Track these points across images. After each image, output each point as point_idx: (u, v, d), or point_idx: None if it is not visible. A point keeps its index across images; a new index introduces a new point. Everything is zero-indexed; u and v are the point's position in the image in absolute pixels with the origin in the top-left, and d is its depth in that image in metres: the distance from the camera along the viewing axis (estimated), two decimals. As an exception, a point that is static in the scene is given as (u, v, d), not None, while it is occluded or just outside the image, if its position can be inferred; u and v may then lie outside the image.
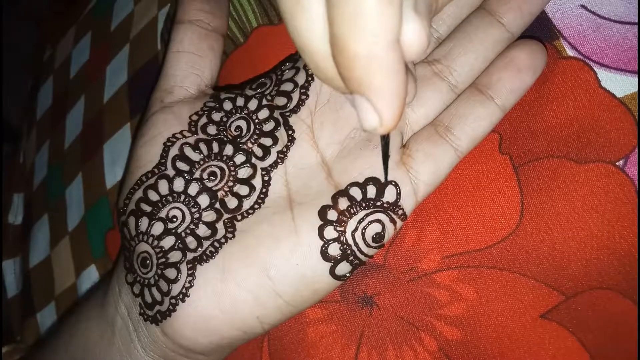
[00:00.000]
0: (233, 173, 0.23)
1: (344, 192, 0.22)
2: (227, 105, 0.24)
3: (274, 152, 0.23)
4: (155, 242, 0.22)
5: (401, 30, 0.13)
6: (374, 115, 0.14)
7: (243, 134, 0.23)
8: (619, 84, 0.22)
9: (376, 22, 0.12)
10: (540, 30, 0.23)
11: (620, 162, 0.21)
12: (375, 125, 0.15)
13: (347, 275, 0.21)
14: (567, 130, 0.22)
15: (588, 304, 0.22)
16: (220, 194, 0.23)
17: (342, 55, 0.13)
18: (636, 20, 0.22)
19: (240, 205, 0.22)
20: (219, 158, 0.23)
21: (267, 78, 0.25)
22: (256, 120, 0.24)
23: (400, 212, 0.21)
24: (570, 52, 0.23)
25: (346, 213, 0.21)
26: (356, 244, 0.21)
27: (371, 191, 0.22)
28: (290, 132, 0.23)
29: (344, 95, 0.17)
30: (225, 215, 0.22)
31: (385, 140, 0.17)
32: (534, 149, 0.23)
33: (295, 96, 0.24)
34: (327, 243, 0.21)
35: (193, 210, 0.22)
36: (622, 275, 0.21)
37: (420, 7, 0.14)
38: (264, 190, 0.23)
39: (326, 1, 0.13)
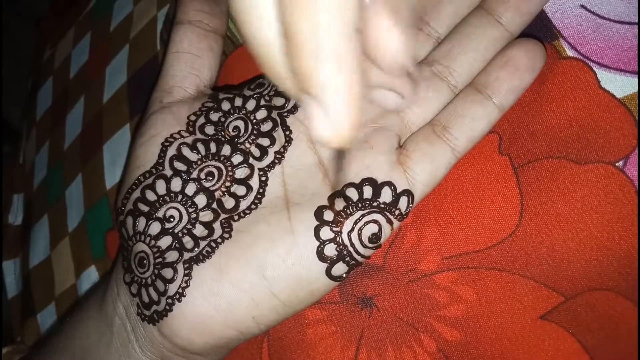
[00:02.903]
0: (230, 173, 0.23)
1: (340, 193, 0.22)
2: (225, 106, 0.24)
3: (271, 152, 0.23)
4: (153, 242, 0.22)
5: (378, 35, 0.12)
6: (325, 122, 0.12)
7: (241, 134, 0.23)
8: (618, 85, 0.22)
9: (329, 2, 0.11)
10: (540, 30, 0.23)
11: (620, 163, 0.21)
12: (327, 134, 0.12)
13: (344, 276, 0.21)
14: (566, 131, 0.22)
15: (588, 305, 0.21)
16: (217, 194, 0.23)
17: (291, 41, 0.12)
18: (636, 20, 0.22)
19: (237, 206, 0.22)
20: (216, 158, 0.23)
21: (265, 79, 0.25)
22: (254, 121, 0.24)
23: (396, 212, 0.21)
24: (569, 52, 0.22)
25: (342, 213, 0.21)
26: (352, 245, 0.21)
27: (367, 192, 0.21)
28: (287, 132, 0.23)
29: (299, 103, 0.15)
30: (222, 215, 0.22)
31: (338, 154, 0.15)
32: (533, 150, 0.22)
33: None
34: (323, 243, 0.21)
35: (190, 210, 0.22)
36: (621, 277, 0.21)
37: (401, 13, 0.12)
38: (261, 190, 0.23)
39: None
